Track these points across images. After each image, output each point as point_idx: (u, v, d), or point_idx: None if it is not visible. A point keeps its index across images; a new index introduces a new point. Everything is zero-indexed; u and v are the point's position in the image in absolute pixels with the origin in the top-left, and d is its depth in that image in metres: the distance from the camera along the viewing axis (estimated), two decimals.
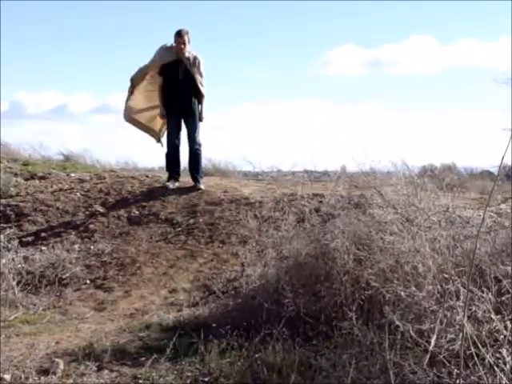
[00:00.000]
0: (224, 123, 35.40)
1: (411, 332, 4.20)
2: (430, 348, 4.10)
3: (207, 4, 42.35)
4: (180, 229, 9.68)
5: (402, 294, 4.64)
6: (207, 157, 15.65)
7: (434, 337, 4.13)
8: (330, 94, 42.79)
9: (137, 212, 10.40)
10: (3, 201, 11.44)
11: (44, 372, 5.17)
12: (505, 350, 3.99)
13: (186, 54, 10.24)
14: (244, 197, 10.28)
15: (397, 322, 4.29)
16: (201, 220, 9.74)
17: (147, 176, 12.26)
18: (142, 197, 10.98)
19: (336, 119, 37.34)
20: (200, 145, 10.82)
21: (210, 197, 10.51)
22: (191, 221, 9.82)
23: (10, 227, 10.20)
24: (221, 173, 14.72)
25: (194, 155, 10.86)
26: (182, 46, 10.16)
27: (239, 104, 43.16)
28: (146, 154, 34.11)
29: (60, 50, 41.59)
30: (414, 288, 4.65)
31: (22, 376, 5.02)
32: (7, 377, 4.97)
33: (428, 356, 4.10)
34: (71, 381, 4.92)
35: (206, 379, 4.88)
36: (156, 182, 11.66)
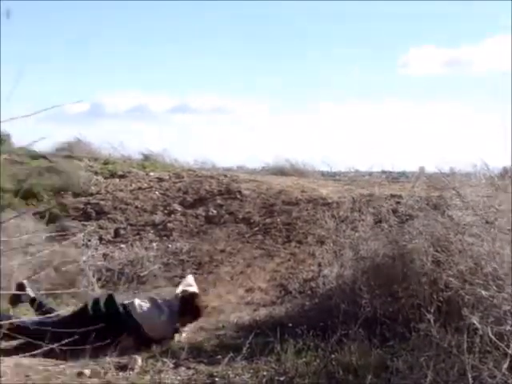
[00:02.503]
0: (302, 122, 35.27)
1: (490, 335, 4.11)
2: (510, 352, 4.00)
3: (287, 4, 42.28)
4: (257, 228, 9.71)
5: (483, 293, 4.54)
6: (285, 156, 15.67)
7: None
8: (407, 93, 42.12)
9: (214, 211, 10.49)
10: (84, 199, 11.73)
11: (122, 368, 5.26)
12: None
13: None
14: (321, 197, 10.24)
15: (477, 324, 4.20)
16: (278, 220, 9.75)
17: (225, 175, 12.35)
18: (220, 196, 11.07)
19: (414, 119, 36.71)
20: None
21: (287, 196, 10.51)
22: (268, 220, 9.84)
23: (91, 225, 10.44)
24: (298, 172, 14.68)
25: None
26: None
27: (317, 103, 42.95)
28: (224, 153, 34.38)
29: (138, 49, 42.30)
30: (494, 289, 4.54)
31: (102, 371, 5.11)
32: (87, 372, 5.07)
33: (508, 360, 4.00)
34: (148, 377, 4.98)
35: (282, 378, 4.88)
36: (234, 181, 11.72)
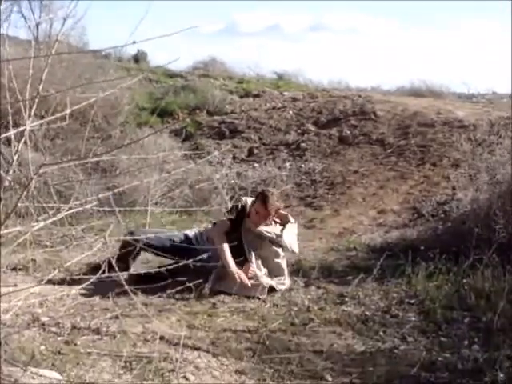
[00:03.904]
0: (437, 43, 34.10)
1: None
2: None
3: None
4: (391, 150, 9.61)
5: None
6: (421, 78, 15.25)
7: None
8: None
9: (348, 132, 10.43)
10: (218, 118, 11.93)
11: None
12: None
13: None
14: (458, 119, 9.96)
15: None
16: (412, 141, 9.59)
17: (360, 96, 12.19)
18: (354, 117, 10.98)
19: None
20: None
21: (422, 118, 10.30)
22: (402, 142, 9.71)
23: (225, 143, 10.64)
24: (434, 94, 14.29)
25: None
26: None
27: (457, 21, 41.19)
28: (359, 73, 33.86)
29: None
30: None
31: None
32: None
33: None
34: (279, 295, 5.09)
35: (412, 301, 4.89)
36: (369, 101, 11.57)
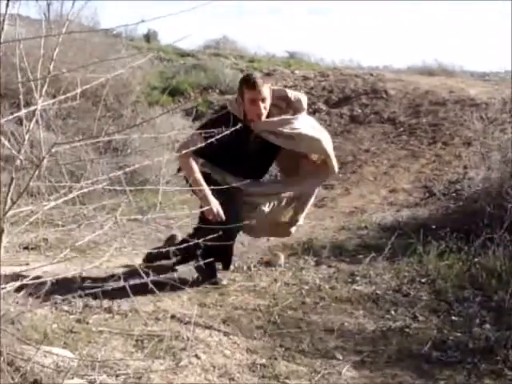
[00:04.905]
0: (450, 17, 33.83)
1: None
2: None
3: None
4: (402, 129, 9.58)
5: None
6: (433, 56, 15.17)
7: None
8: None
9: (359, 110, 10.41)
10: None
11: (266, 264, 5.41)
12: None
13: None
14: (470, 97, 9.91)
15: None
16: (424, 120, 9.56)
17: (371, 74, 12.15)
18: (365, 95, 10.95)
19: None
20: None
21: (434, 97, 10.25)
22: (414, 121, 9.67)
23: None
24: (446, 72, 14.21)
25: None
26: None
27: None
28: (370, 52, 33.70)
29: None
30: None
31: (245, 266, 5.30)
32: (231, 267, 5.23)
33: None
34: (290, 274, 5.12)
35: (423, 280, 4.89)
36: (380, 80, 11.52)
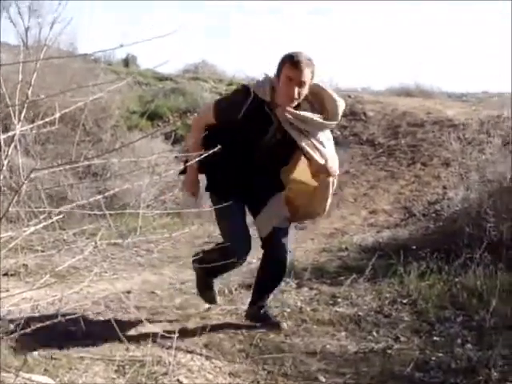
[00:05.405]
0: (428, 39, 34.20)
1: None
2: None
3: None
4: (381, 150, 9.63)
5: None
6: (411, 77, 15.32)
7: None
8: None
9: (338, 132, 10.45)
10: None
11: (247, 287, 5.36)
12: None
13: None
14: (448, 118, 10.00)
15: None
16: (403, 141, 9.63)
17: (349, 96, 12.21)
18: (344, 117, 10.97)
19: None
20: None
21: (412, 118, 10.33)
22: (393, 142, 9.73)
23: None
24: (424, 94, 14.34)
25: None
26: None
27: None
28: (348, 74, 33.98)
29: None
30: None
31: (226, 289, 5.26)
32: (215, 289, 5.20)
33: None
34: (271, 296, 5.10)
35: (405, 301, 4.89)
36: (358, 102, 11.59)
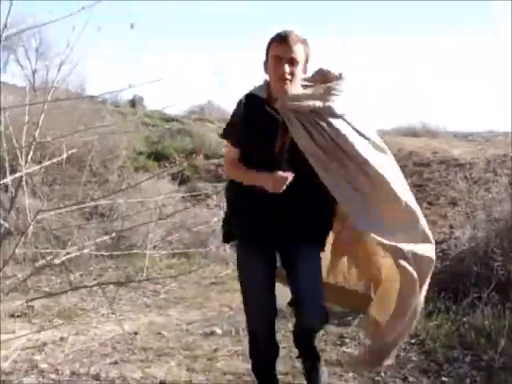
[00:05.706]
0: (436, 82, 34.42)
1: None
2: None
3: None
4: None
5: None
6: (418, 118, 15.38)
7: None
8: None
9: None
10: (215, 161, 11.98)
11: None
12: None
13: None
14: (454, 158, 10.02)
15: None
16: (409, 181, 9.51)
17: None
18: None
19: None
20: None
21: (418, 158, 10.35)
22: None
23: (222, 186, 10.64)
24: (430, 133, 14.39)
25: None
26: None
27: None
28: None
29: None
30: None
31: (233, 330, 5.24)
32: (219, 331, 5.20)
33: None
34: (280, 337, 5.05)
35: (413, 341, 4.86)
36: None
